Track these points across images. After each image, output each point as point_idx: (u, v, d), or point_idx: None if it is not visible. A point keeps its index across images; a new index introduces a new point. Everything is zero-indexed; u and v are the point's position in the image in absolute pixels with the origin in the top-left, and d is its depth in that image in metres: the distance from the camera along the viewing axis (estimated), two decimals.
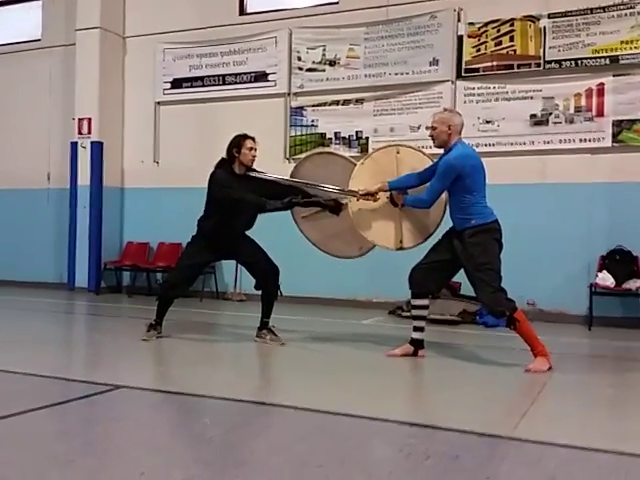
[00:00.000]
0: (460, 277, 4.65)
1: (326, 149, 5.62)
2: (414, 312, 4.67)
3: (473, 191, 4.33)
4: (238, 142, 4.95)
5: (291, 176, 5.22)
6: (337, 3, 8.40)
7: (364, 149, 8.04)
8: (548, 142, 7.28)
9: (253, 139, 4.99)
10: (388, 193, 4.69)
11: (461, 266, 4.46)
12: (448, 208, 4.54)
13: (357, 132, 8.17)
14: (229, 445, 2.71)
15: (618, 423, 3.30)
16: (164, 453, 2.55)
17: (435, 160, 4.61)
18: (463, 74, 7.65)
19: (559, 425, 3.05)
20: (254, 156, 4.98)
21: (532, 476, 2.36)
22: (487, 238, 4.32)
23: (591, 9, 7.07)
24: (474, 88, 7.60)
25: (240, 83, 8.84)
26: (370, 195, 4.65)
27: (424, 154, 4.91)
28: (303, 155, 8.08)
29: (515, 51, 7.42)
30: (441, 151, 4.55)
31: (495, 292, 4.24)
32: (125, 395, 3.46)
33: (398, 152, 4.84)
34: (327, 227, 5.14)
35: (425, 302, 4.60)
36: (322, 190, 4.91)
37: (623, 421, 3.31)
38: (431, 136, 4.50)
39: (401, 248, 4.76)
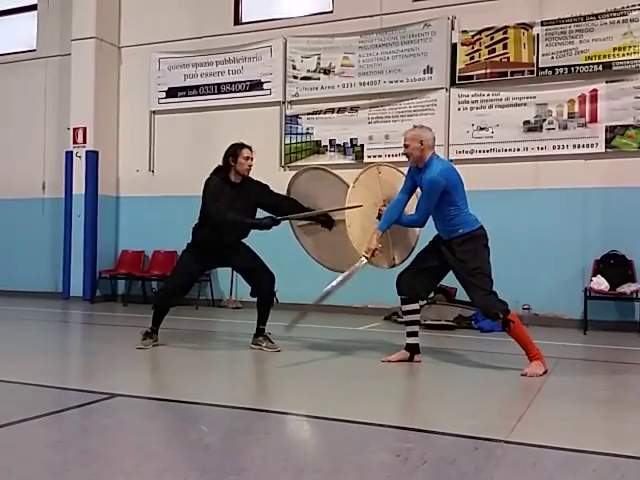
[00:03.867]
0: (455, 282, 4.66)
1: (321, 166, 5.66)
2: (406, 318, 4.69)
3: (457, 202, 4.39)
4: (235, 151, 4.95)
5: (288, 188, 5.25)
6: (331, 12, 8.45)
7: (359, 156, 8.08)
8: (542, 148, 7.32)
9: (250, 148, 4.99)
10: (377, 212, 4.73)
11: (448, 270, 4.53)
12: (433, 220, 4.56)
13: (352, 140, 8.21)
14: (226, 452, 2.70)
15: (614, 426, 3.31)
16: (161, 461, 2.54)
17: (406, 174, 4.66)
18: (457, 81, 7.70)
19: (555, 428, 3.05)
20: (250, 165, 4.98)
21: (528, 479, 2.37)
22: (475, 244, 4.38)
23: (584, 16, 7.14)
24: (468, 95, 7.65)
25: (235, 92, 8.87)
26: (375, 250, 4.59)
27: (401, 172, 5.00)
28: (298, 163, 8.21)
29: (508, 58, 7.47)
30: None
31: (488, 295, 4.28)
32: (121, 403, 3.45)
33: (379, 172, 4.89)
34: (321, 239, 5.15)
35: (415, 306, 4.63)
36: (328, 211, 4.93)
37: (619, 424, 3.32)
38: (405, 154, 4.53)
39: (394, 265, 4.85)
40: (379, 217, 4.74)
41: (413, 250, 4.89)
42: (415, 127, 4.64)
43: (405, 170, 4.92)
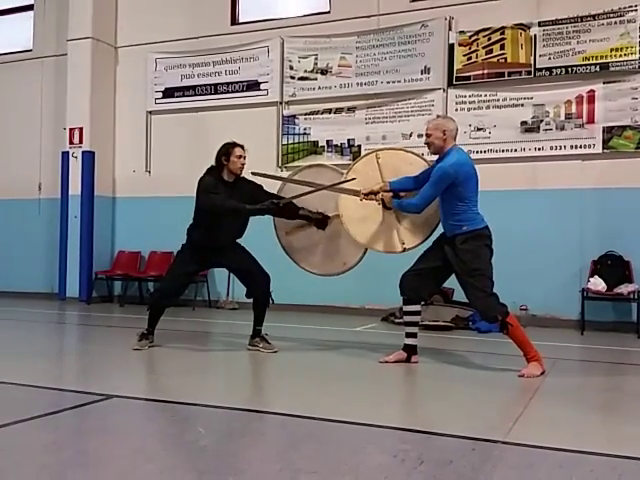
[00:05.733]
0: (453, 283, 4.65)
1: (315, 162, 5.65)
2: (406, 318, 4.67)
3: (465, 198, 4.34)
4: (227, 150, 4.95)
5: (280, 189, 5.24)
6: (328, 12, 8.45)
7: (356, 157, 8.04)
8: (539, 149, 7.32)
9: (242, 147, 4.99)
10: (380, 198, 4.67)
11: (452, 272, 4.47)
12: (440, 214, 4.54)
13: (349, 140, 8.20)
14: (223, 453, 2.69)
15: (611, 426, 3.31)
16: (157, 462, 2.53)
17: (432, 164, 4.61)
18: (454, 82, 7.70)
19: (552, 429, 3.05)
20: (243, 164, 4.97)
21: None
22: (478, 244, 4.33)
23: (581, 17, 7.14)
24: (465, 96, 7.65)
25: (232, 92, 8.86)
26: (373, 194, 4.60)
27: (406, 151, 4.96)
28: (296, 164, 8.21)
29: (506, 59, 7.48)
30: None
31: (487, 297, 4.26)
32: (117, 405, 3.44)
33: (378, 157, 4.83)
34: (313, 243, 5.10)
35: (417, 308, 4.61)
36: (325, 189, 4.84)
37: (616, 424, 3.32)
38: (426, 143, 4.50)
39: (405, 249, 4.69)
40: (383, 204, 4.65)
41: (431, 235, 4.72)
42: (439, 116, 4.65)
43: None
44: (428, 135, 4.45)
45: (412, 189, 4.63)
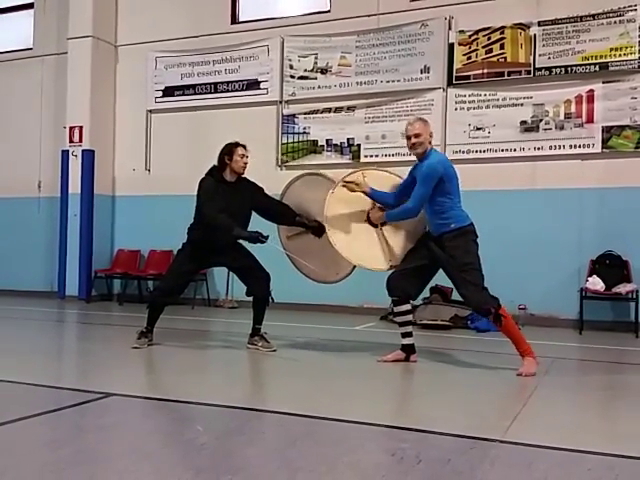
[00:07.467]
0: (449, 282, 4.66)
1: (315, 171, 5.64)
2: (398, 319, 4.69)
3: (451, 194, 4.40)
4: (229, 150, 4.97)
5: (282, 194, 5.27)
6: (329, 12, 8.46)
7: (356, 156, 8.08)
8: (538, 148, 7.33)
9: (244, 147, 5.02)
10: (365, 216, 4.73)
11: (437, 270, 4.54)
12: (425, 214, 4.56)
13: (349, 139, 8.21)
14: (221, 451, 2.70)
15: (609, 425, 3.32)
16: (156, 460, 2.53)
17: (405, 176, 4.68)
18: (454, 81, 7.71)
19: (550, 428, 3.06)
20: (245, 163, 5.00)
21: (523, 479, 2.37)
22: (466, 240, 4.38)
23: (581, 17, 7.15)
24: (465, 95, 7.65)
25: (232, 91, 8.86)
26: (355, 184, 4.66)
27: (390, 173, 4.99)
28: (295, 163, 8.23)
29: (505, 58, 7.48)
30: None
31: (480, 291, 4.29)
32: (116, 403, 3.44)
33: (365, 176, 4.85)
34: (309, 250, 5.10)
35: (407, 307, 4.63)
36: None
37: (613, 423, 3.33)
38: (413, 144, 4.43)
39: (392, 267, 4.70)
40: (368, 221, 4.72)
41: None
42: (420, 119, 4.58)
43: (398, 170, 4.93)
44: (417, 135, 4.40)
45: (390, 205, 4.66)
